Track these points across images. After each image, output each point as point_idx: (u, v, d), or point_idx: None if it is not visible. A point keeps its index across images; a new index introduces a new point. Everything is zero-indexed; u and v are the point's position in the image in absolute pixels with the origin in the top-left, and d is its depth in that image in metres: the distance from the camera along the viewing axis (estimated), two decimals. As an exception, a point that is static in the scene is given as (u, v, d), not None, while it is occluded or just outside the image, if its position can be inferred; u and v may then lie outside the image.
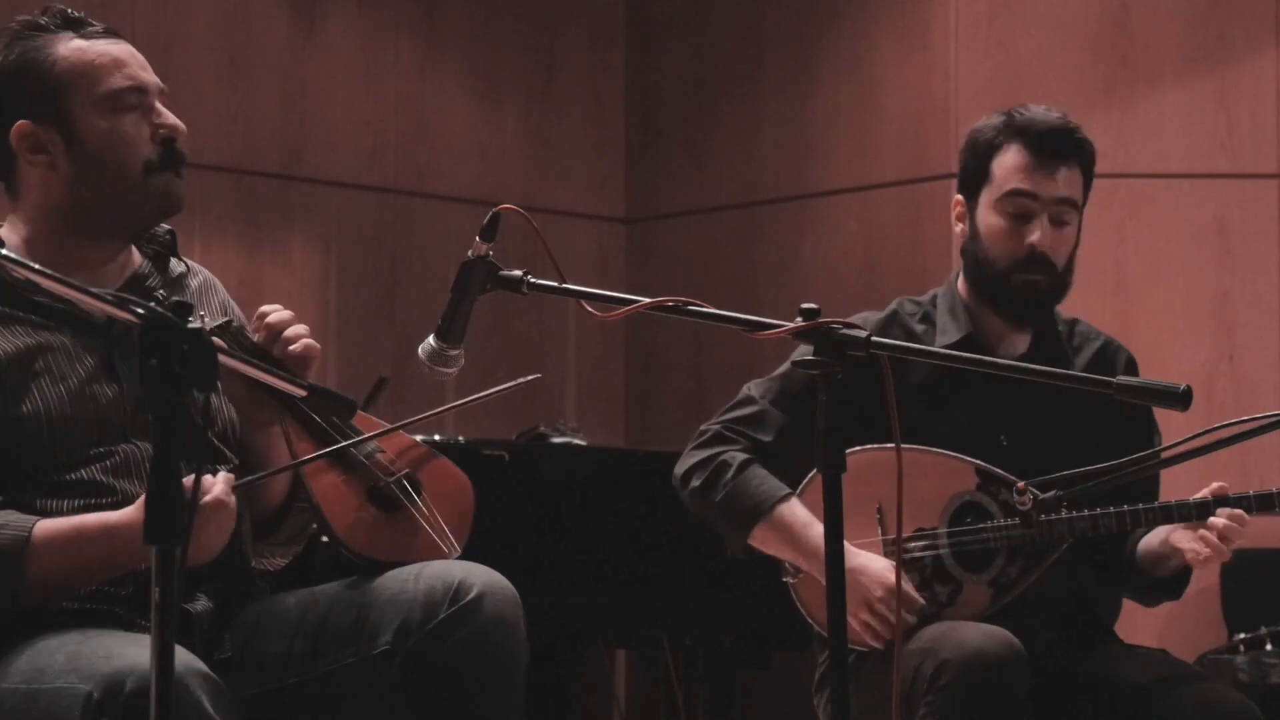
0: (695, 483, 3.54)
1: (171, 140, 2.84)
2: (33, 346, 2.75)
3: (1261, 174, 6.02)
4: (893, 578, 3.32)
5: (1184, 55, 6.05)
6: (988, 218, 3.53)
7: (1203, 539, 3.31)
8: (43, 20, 2.84)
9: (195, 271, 3.00)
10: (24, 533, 2.62)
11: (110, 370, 2.79)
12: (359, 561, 2.82)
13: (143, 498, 2.56)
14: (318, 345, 2.85)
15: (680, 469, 3.57)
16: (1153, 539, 3.45)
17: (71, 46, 2.82)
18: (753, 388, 3.60)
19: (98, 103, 2.81)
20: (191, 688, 2.45)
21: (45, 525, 2.64)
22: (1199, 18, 6.04)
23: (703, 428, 3.60)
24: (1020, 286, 3.50)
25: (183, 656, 2.46)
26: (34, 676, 2.57)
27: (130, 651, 2.49)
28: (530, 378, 2.96)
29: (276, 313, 2.85)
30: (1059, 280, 3.53)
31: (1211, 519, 3.31)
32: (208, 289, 3.01)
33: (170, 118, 2.85)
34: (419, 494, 2.86)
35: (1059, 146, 3.51)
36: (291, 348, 2.80)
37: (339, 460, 2.84)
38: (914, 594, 3.38)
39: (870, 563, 3.37)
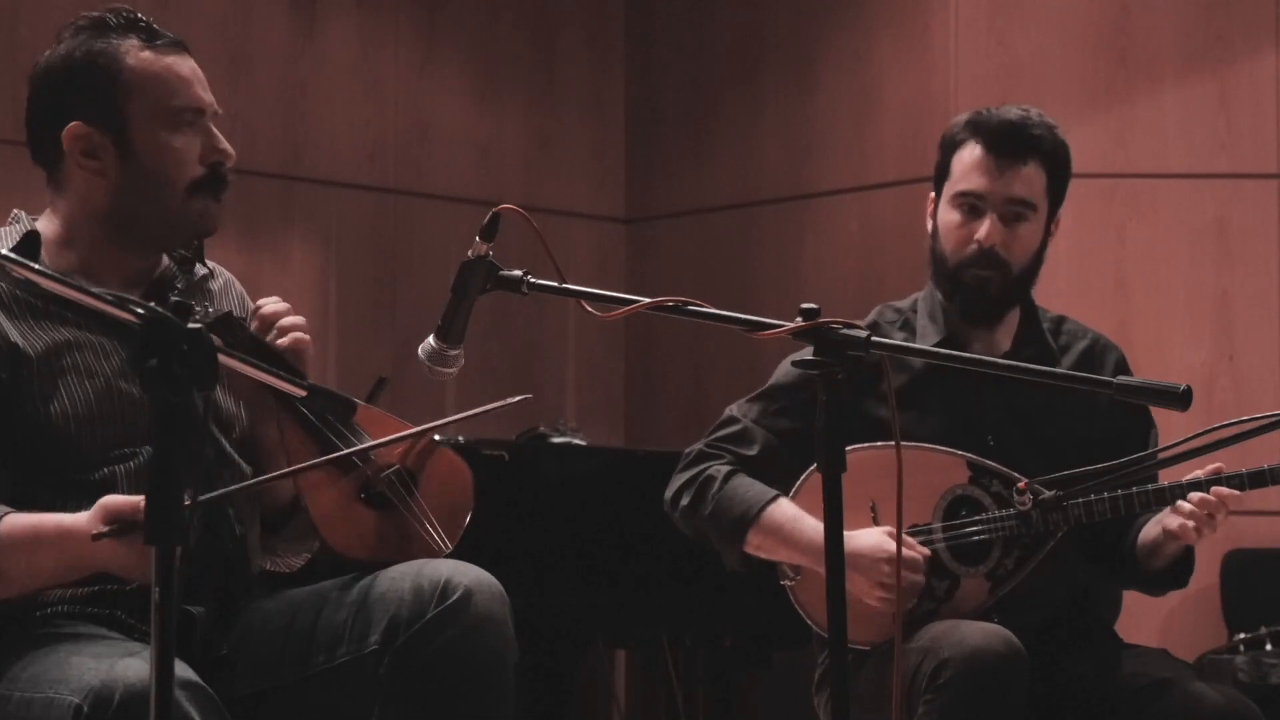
0: (684, 501, 3.55)
1: (220, 164, 2.85)
2: (62, 342, 2.75)
3: (1261, 174, 6.01)
4: (890, 546, 3.32)
5: (1184, 55, 6.05)
6: (944, 213, 3.56)
7: (1189, 514, 3.30)
8: (110, 19, 2.83)
9: (217, 274, 3.02)
10: None
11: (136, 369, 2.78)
12: (348, 564, 2.81)
13: (99, 503, 2.56)
14: (307, 338, 2.83)
15: (669, 492, 3.59)
16: (1151, 529, 3.45)
17: (140, 56, 2.81)
18: (734, 409, 3.62)
19: (157, 117, 2.80)
20: (180, 700, 2.44)
21: (9, 521, 2.62)
22: (1199, 18, 6.04)
23: (687, 450, 3.61)
24: (971, 283, 3.51)
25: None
26: (29, 684, 2.57)
27: (120, 663, 2.49)
28: (520, 398, 2.97)
29: (270, 304, 2.85)
30: (1013, 280, 3.53)
31: (1200, 495, 3.30)
32: (227, 289, 3.02)
33: (224, 142, 2.86)
34: (413, 487, 2.84)
35: (1014, 144, 3.52)
36: (280, 340, 2.80)
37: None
38: (914, 552, 3.36)
39: (862, 542, 3.35)
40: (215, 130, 2.86)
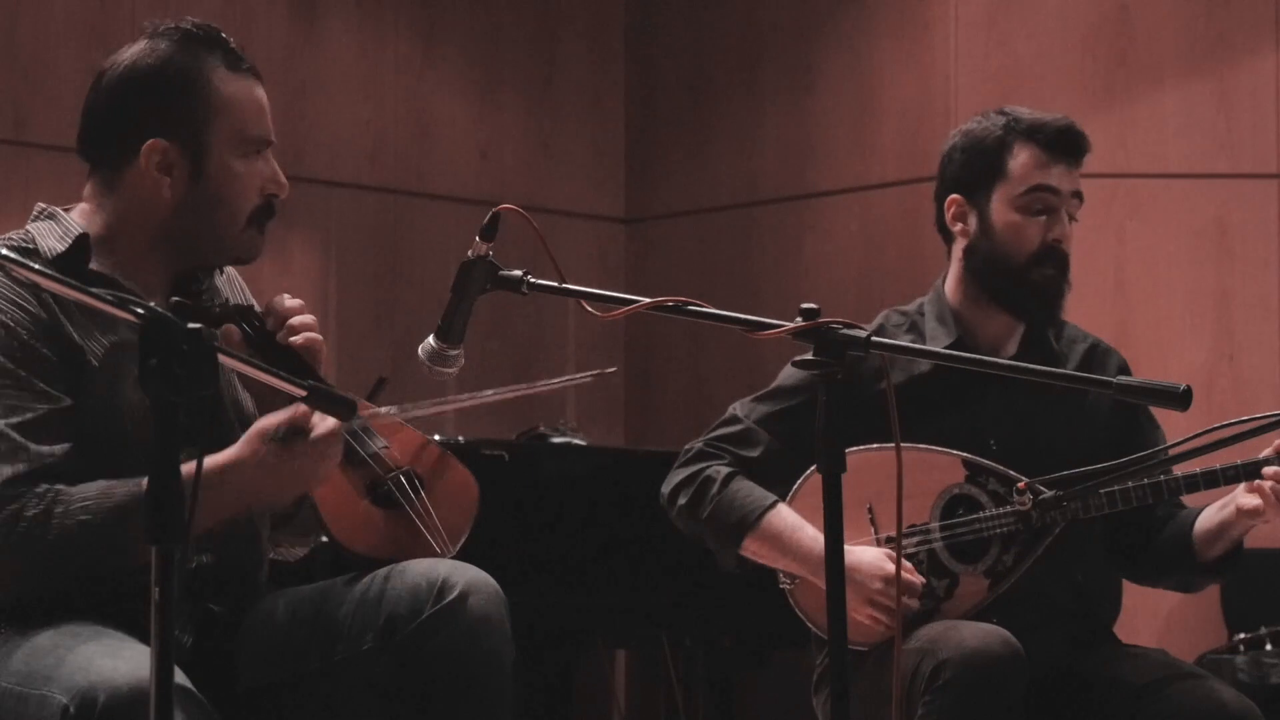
0: (682, 500, 3.54)
1: (275, 196, 2.88)
2: (118, 345, 2.75)
3: (1261, 174, 6.02)
4: (888, 566, 3.33)
5: (1184, 55, 6.05)
6: (1005, 215, 3.53)
7: (1258, 490, 3.29)
8: (198, 34, 2.83)
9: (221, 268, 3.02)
10: (139, 488, 2.61)
11: None
12: (350, 558, 2.83)
13: (248, 432, 2.67)
14: (320, 338, 2.85)
15: (666, 488, 3.58)
16: (1214, 515, 3.43)
17: (227, 81, 2.82)
18: (738, 408, 3.61)
19: (233, 144, 2.82)
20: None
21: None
22: (1199, 18, 6.04)
23: (687, 446, 3.61)
24: (1040, 281, 3.52)
25: None
26: (25, 679, 2.58)
27: (108, 664, 2.50)
28: (608, 370, 3.06)
29: (285, 301, 2.86)
30: (1068, 275, 3.56)
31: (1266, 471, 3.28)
32: (230, 282, 3.03)
33: (282, 176, 2.89)
34: (420, 491, 2.86)
35: (1074, 143, 3.55)
36: (292, 339, 2.81)
37: (341, 457, 2.84)
38: (913, 577, 3.37)
39: (862, 557, 3.36)
40: (274, 162, 2.89)
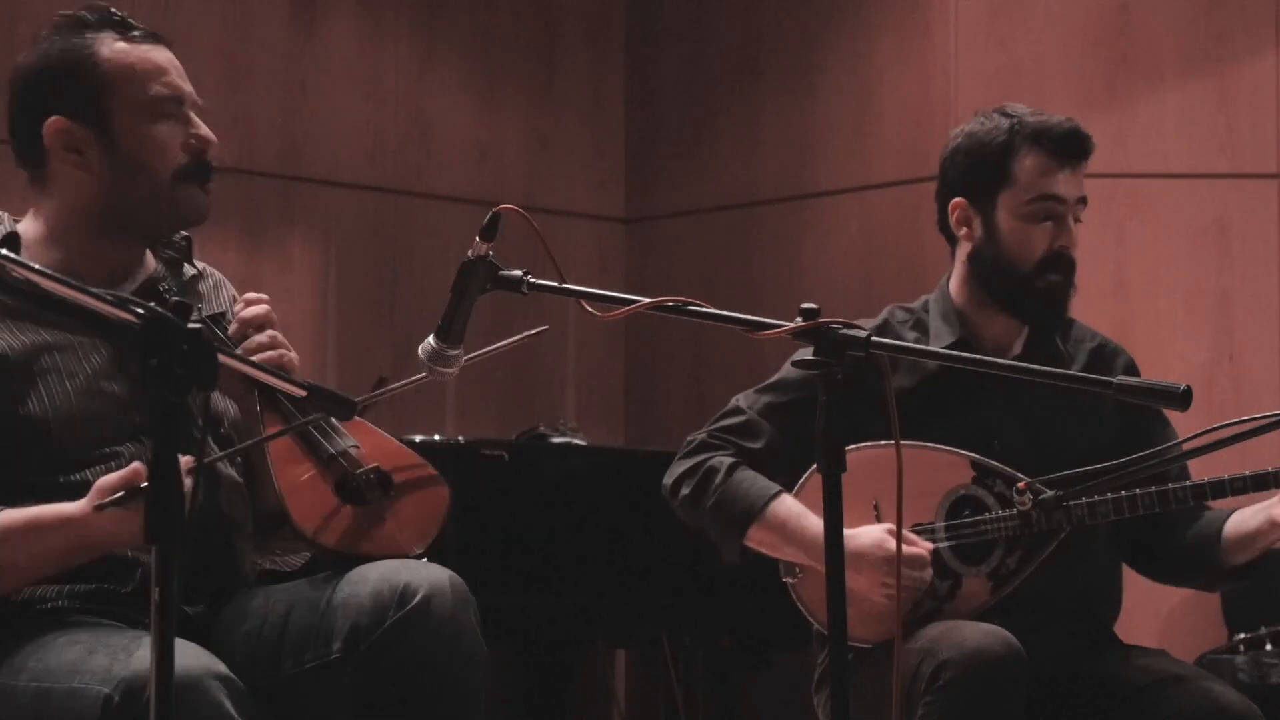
0: (685, 491, 3.53)
1: (202, 151, 2.85)
2: (41, 344, 2.74)
3: (1261, 174, 6.01)
4: (891, 545, 3.31)
5: (1184, 55, 6.05)
6: (1011, 221, 3.51)
7: None
8: (87, 16, 2.85)
9: (207, 274, 3.01)
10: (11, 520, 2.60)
11: (122, 367, 2.77)
12: (320, 554, 2.81)
13: (95, 485, 2.57)
14: (276, 354, 2.80)
15: (669, 479, 3.57)
16: (1249, 521, 3.42)
17: (116, 48, 2.82)
18: (741, 399, 3.60)
19: (138, 108, 2.81)
20: (211, 689, 2.44)
21: (4, 516, 2.62)
22: (1199, 18, 6.04)
23: (689, 438, 3.60)
24: (1045, 288, 3.51)
25: (201, 658, 2.46)
26: (43, 674, 2.56)
27: (147, 654, 2.48)
28: (538, 330, 3.00)
29: (246, 311, 2.85)
30: (1073, 280, 3.54)
31: None
32: (217, 290, 3.01)
33: (204, 129, 2.86)
34: (387, 491, 2.84)
35: (1079, 147, 3.53)
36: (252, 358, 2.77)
37: (310, 454, 2.83)
38: (918, 548, 3.36)
39: (865, 540, 3.35)
40: (195, 118, 2.87)
